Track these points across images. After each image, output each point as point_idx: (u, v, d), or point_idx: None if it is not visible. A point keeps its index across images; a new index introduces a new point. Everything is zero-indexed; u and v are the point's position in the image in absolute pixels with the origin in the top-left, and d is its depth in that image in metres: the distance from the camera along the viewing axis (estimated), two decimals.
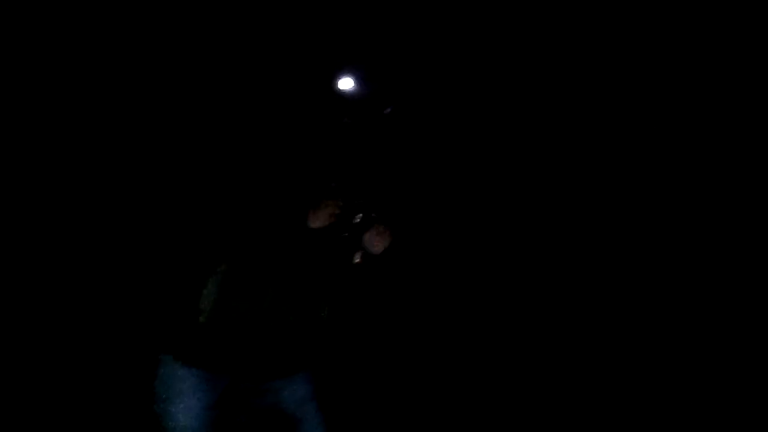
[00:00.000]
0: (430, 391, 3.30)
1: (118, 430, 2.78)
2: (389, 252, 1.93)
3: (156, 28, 2.89)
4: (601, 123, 3.44)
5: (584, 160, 3.46)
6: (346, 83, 1.84)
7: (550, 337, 3.47)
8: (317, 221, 1.89)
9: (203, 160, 1.99)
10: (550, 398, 3.33)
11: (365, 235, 1.89)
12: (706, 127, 3.37)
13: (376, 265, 1.94)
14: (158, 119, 2.97)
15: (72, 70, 2.98)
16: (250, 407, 2.04)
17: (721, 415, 3.14)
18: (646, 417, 3.23)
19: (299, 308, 2.00)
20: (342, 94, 1.86)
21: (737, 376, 3.24)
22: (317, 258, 1.96)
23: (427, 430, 3.16)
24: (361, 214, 1.88)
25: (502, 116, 3.40)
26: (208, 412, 1.95)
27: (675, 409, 3.24)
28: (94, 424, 2.84)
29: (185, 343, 1.95)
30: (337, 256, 1.94)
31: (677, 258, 3.42)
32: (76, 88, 3.00)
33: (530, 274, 3.49)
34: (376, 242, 1.91)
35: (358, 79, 1.86)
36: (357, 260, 1.92)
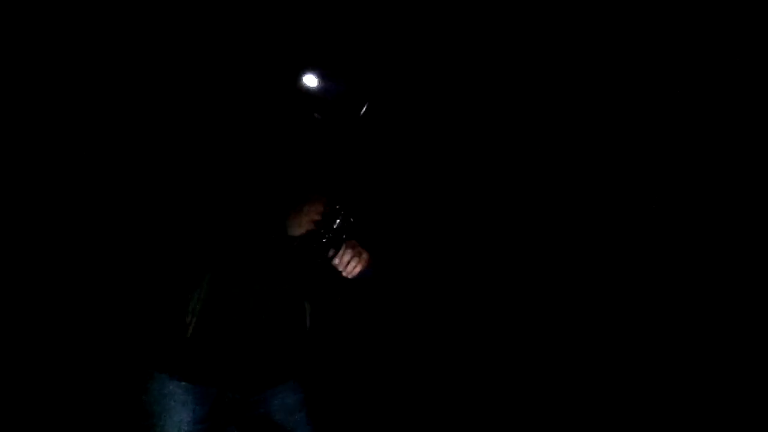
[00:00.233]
0: (420, 397, 3.30)
1: None
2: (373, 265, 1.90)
3: (120, 29, 2.85)
4: (581, 120, 3.42)
5: (566, 159, 3.46)
6: (310, 80, 1.77)
7: (539, 341, 3.47)
8: (297, 228, 1.85)
9: (178, 165, 1.95)
10: (542, 400, 3.34)
11: (338, 258, 1.86)
12: (706, 127, 3.34)
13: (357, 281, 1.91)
14: (121, 124, 2.95)
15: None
16: (240, 419, 2.02)
17: (721, 415, 3.13)
18: (646, 417, 3.23)
19: (284, 315, 1.98)
20: (308, 92, 1.80)
21: (737, 376, 3.23)
22: (298, 264, 1.94)
23: None
24: (339, 219, 1.83)
25: (475, 112, 3.38)
26: (199, 426, 1.94)
27: (675, 409, 3.23)
28: None
29: (172, 356, 1.93)
30: (318, 262, 1.89)
31: (677, 258, 3.40)
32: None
33: (514, 274, 3.50)
34: (350, 267, 1.88)
35: (322, 76, 1.80)
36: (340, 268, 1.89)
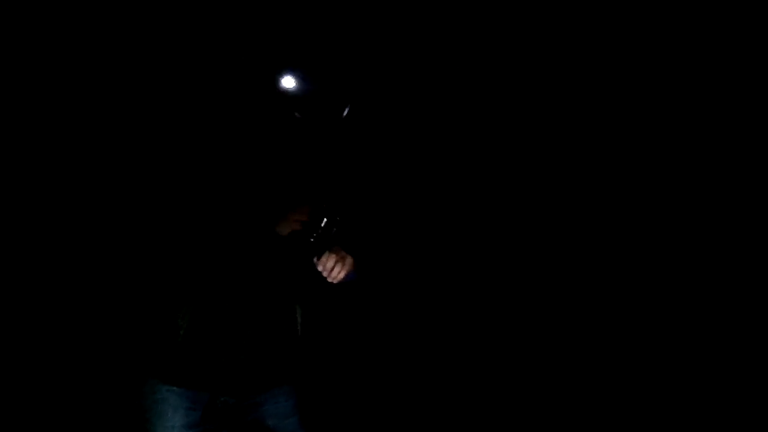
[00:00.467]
0: (413, 401, 3.31)
1: None
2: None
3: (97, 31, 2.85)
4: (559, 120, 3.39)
5: (550, 159, 3.44)
6: (288, 81, 1.76)
7: (530, 343, 3.46)
8: (284, 228, 1.86)
9: (164, 169, 1.96)
10: (533, 403, 3.34)
11: (321, 264, 1.86)
12: (706, 128, 3.32)
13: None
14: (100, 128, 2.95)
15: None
16: (232, 424, 2.01)
17: (721, 415, 3.13)
18: (646, 417, 3.23)
19: (275, 319, 1.98)
20: (286, 93, 1.79)
21: (737, 376, 3.22)
22: (287, 265, 1.93)
23: None
24: (326, 218, 1.83)
25: (459, 111, 3.36)
26: (191, 431, 1.94)
27: (675, 409, 3.23)
28: None
29: (164, 361, 1.93)
30: (306, 262, 1.89)
31: (677, 258, 3.38)
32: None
33: (503, 274, 3.48)
34: (334, 272, 1.87)
35: (300, 77, 1.79)
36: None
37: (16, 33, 2.88)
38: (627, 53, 3.29)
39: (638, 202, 3.42)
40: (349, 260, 1.88)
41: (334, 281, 1.87)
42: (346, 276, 1.87)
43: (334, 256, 1.85)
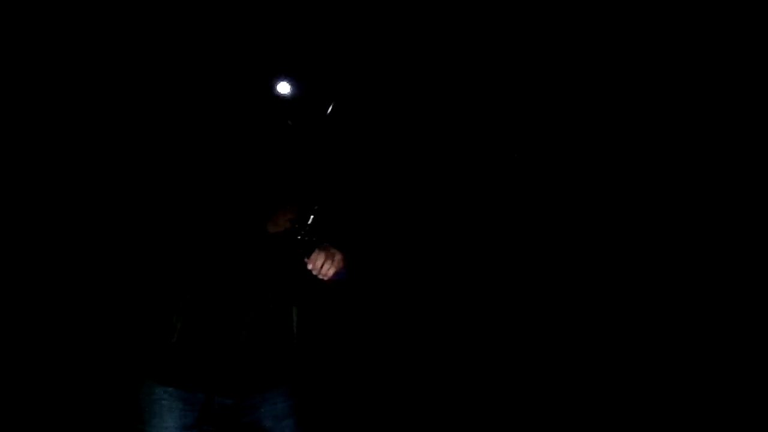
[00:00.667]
0: (409, 402, 3.30)
1: None
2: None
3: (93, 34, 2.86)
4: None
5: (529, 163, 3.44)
6: (283, 87, 1.77)
7: (522, 342, 3.46)
8: (273, 227, 1.88)
9: (159, 169, 1.97)
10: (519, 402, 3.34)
11: (311, 263, 1.87)
12: (706, 128, 3.34)
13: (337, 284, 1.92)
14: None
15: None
16: (229, 425, 2.01)
17: (721, 415, 3.12)
18: (646, 417, 3.22)
19: (270, 320, 1.98)
20: (281, 98, 1.80)
21: (737, 376, 3.22)
22: (279, 263, 1.94)
23: None
24: (313, 216, 1.84)
25: (446, 111, 3.37)
26: None
27: (675, 409, 3.22)
28: None
29: (159, 362, 1.94)
30: (297, 261, 1.91)
31: (677, 258, 3.39)
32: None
33: (492, 271, 3.49)
34: (324, 270, 1.88)
35: (295, 82, 1.80)
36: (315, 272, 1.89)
37: (15, 33, 2.89)
38: (627, 53, 3.29)
39: (638, 202, 3.42)
40: (339, 257, 1.89)
41: (325, 279, 1.88)
42: (337, 273, 1.88)
43: (323, 253, 1.86)
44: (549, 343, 3.44)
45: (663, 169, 3.39)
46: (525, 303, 3.46)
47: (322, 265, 1.86)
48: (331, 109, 1.83)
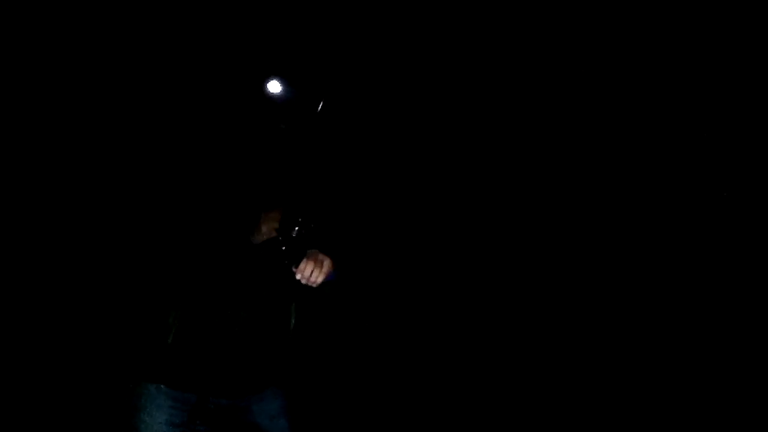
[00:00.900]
0: (402, 403, 3.30)
1: None
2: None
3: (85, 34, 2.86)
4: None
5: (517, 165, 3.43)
6: (274, 86, 1.77)
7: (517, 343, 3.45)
8: (258, 236, 1.89)
9: (151, 173, 1.98)
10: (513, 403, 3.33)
11: (299, 272, 1.87)
12: (706, 128, 3.33)
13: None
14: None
15: None
16: (222, 425, 2.02)
17: (721, 416, 3.12)
18: (646, 417, 3.22)
19: (264, 322, 2.00)
20: (273, 98, 1.80)
21: (737, 376, 3.21)
22: (264, 271, 1.96)
23: None
24: (297, 227, 1.84)
25: (437, 112, 3.37)
26: (172, 430, 1.95)
27: (675, 409, 3.22)
28: None
29: (152, 361, 1.96)
30: (284, 269, 1.91)
31: (677, 258, 3.38)
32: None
33: (483, 272, 3.48)
34: (312, 276, 1.88)
35: (286, 81, 1.79)
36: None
37: (14, 33, 2.90)
38: (627, 53, 3.28)
39: (638, 202, 3.41)
40: (327, 262, 1.88)
41: (314, 285, 1.88)
42: (326, 277, 1.88)
43: (311, 261, 1.86)
44: (549, 343, 3.44)
45: (663, 169, 3.38)
46: (525, 303, 3.46)
47: (311, 273, 1.86)
48: (321, 108, 1.83)
